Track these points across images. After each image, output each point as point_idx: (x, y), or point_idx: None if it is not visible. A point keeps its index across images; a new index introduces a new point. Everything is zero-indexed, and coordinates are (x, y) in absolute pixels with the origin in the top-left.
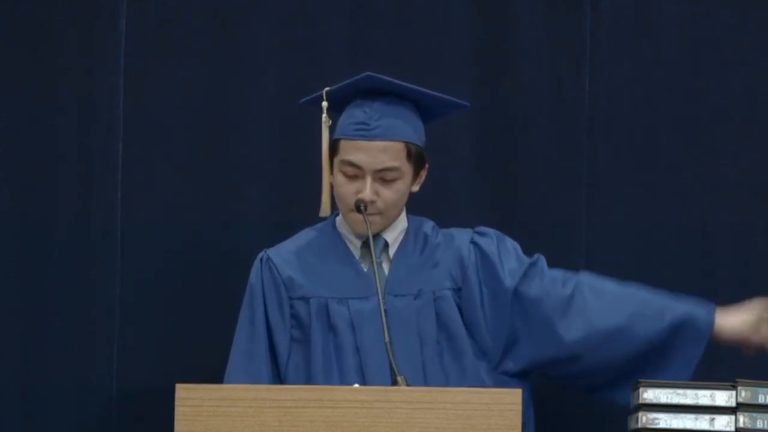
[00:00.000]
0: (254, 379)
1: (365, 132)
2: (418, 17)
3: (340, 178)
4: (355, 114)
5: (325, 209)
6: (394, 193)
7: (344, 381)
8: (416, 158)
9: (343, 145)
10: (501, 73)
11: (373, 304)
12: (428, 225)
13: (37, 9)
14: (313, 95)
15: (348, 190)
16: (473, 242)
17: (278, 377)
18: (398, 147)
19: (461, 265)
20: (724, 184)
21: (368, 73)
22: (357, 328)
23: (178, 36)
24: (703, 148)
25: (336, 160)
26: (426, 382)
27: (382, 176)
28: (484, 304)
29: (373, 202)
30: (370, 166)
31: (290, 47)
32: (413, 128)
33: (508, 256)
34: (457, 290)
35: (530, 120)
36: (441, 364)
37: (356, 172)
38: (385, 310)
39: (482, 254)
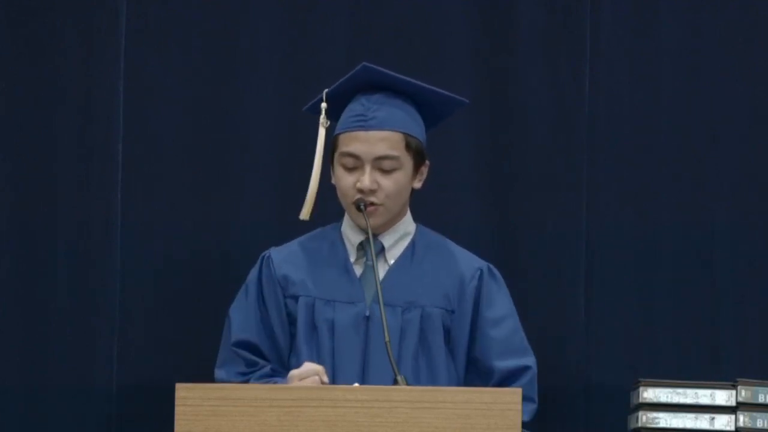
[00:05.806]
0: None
1: (363, 123)
2: (418, 18)
3: (339, 171)
4: (353, 108)
5: (305, 213)
6: (393, 184)
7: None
8: (416, 151)
9: (342, 138)
10: (501, 73)
11: (358, 309)
12: (437, 238)
13: (37, 9)
14: (314, 100)
15: (348, 182)
16: (480, 270)
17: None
18: (397, 137)
19: (460, 288)
20: (724, 184)
21: (365, 63)
22: (337, 332)
23: (178, 36)
24: (703, 149)
25: (336, 157)
26: None
27: (381, 165)
28: (473, 329)
29: (373, 191)
30: (367, 155)
31: (290, 47)
32: (413, 120)
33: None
34: (450, 312)
35: (530, 120)
36: (415, 382)
37: (355, 163)
38: (368, 317)
39: (483, 284)
